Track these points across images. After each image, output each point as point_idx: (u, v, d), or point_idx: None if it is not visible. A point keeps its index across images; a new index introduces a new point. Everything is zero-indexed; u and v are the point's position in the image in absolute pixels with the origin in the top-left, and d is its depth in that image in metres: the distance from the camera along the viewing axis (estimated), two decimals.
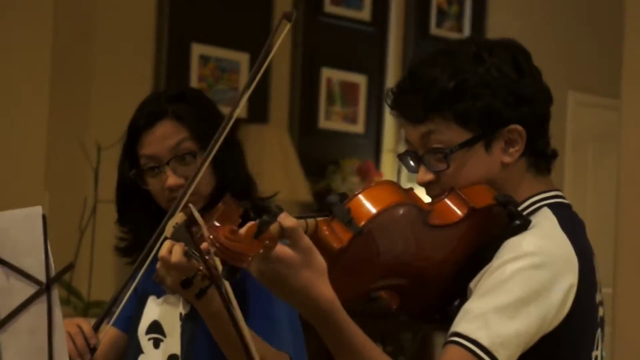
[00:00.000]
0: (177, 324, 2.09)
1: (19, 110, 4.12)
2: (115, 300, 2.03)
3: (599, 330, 1.69)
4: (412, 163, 1.74)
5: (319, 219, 1.54)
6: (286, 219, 1.47)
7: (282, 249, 1.46)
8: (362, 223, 1.53)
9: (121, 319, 2.16)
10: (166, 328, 2.11)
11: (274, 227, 1.46)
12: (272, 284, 1.50)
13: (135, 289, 2.19)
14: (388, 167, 5.68)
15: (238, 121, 2.12)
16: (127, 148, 2.14)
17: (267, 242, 1.44)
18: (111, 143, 4.07)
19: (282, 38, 1.88)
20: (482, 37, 1.73)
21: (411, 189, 1.64)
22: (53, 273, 1.48)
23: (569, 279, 1.61)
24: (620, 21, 3.76)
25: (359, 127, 5.56)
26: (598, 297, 1.70)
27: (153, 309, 2.14)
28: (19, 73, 4.11)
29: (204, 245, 1.46)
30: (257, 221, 1.43)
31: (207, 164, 1.96)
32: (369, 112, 5.59)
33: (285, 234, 1.47)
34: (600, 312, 1.72)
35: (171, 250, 1.82)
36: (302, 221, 1.52)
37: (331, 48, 5.41)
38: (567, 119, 6.17)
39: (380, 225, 1.55)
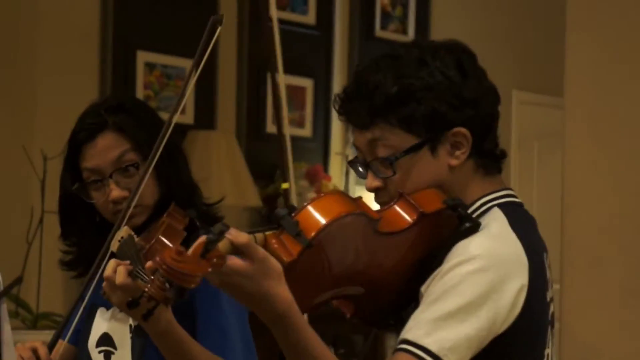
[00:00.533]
0: (127, 336, 2.08)
1: None
2: (69, 317, 2.02)
3: (550, 327, 1.70)
4: (360, 169, 1.75)
5: (267, 232, 1.54)
6: (238, 236, 1.47)
7: (234, 263, 1.46)
8: (312, 235, 1.54)
9: (70, 332, 2.14)
10: (116, 340, 2.09)
11: (222, 245, 1.45)
12: (234, 295, 1.51)
13: (82, 301, 2.17)
14: (336, 170, 5.69)
15: (182, 128, 2.12)
16: (68, 161, 2.12)
17: (215, 260, 1.43)
18: (57, 152, 4.03)
19: (213, 43, 1.89)
20: (427, 39, 1.74)
21: (360, 198, 1.64)
22: (0, 287, 1.45)
23: (519, 279, 1.62)
24: (561, 19, 3.80)
25: (306, 131, 5.56)
26: (549, 295, 1.71)
27: (102, 322, 2.12)
28: None
29: (149, 264, 1.45)
30: (203, 240, 1.43)
31: (148, 173, 1.95)
32: (316, 115, 5.59)
33: (238, 250, 1.47)
34: (551, 308, 1.73)
35: (116, 270, 1.80)
36: (251, 236, 1.51)
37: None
38: (512, 118, 6.22)
39: (330, 236, 1.55)
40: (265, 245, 1.53)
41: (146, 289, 1.52)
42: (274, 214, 1.55)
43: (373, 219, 1.61)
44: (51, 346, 2.02)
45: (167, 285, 1.52)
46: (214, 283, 1.50)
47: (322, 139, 5.64)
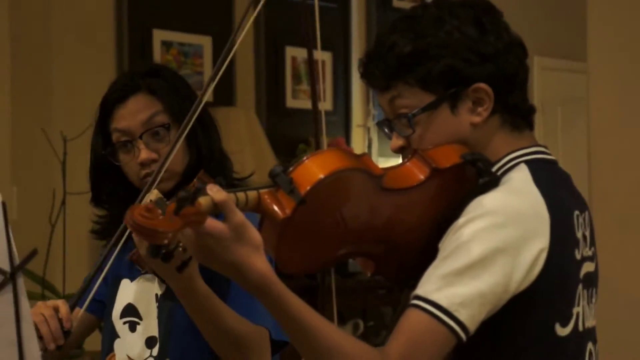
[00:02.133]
0: (154, 306, 2.07)
1: None
2: (88, 284, 2.00)
3: (580, 286, 1.67)
4: (386, 130, 1.73)
5: (262, 190, 1.51)
6: (217, 193, 1.45)
7: (212, 224, 1.44)
8: (305, 191, 1.50)
9: (90, 302, 2.13)
10: (142, 310, 2.08)
11: (204, 201, 1.43)
12: (206, 259, 1.48)
13: (105, 275, 2.16)
14: (359, 142, 5.66)
15: (207, 103, 2.11)
16: (99, 124, 2.10)
17: (192, 217, 1.40)
18: (77, 134, 4.03)
19: (250, 22, 1.87)
20: None
21: (365, 154, 1.61)
22: (17, 261, 1.44)
23: (539, 241, 1.59)
24: None
25: (327, 104, 5.54)
26: (581, 253, 1.67)
27: (127, 292, 2.11)
28: None
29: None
30: (176, 197, 1.40)
31: (182, 138, 1.93)
32: (336, 88, 5.56)
33: (217, 208, 1.45)
34: (590, 267, 1.70)
35: None
36: (241, 194, 1.49)
37: (294, 26, 5.37)
38: (534, 85, 6.17)
39: (324, 192, 1.52)
40: (260, 203, 1.50)
41: (181, 241, 1.51)
42: (269, 171, 1.52)
43: (375, 175, 1.58)
44: (71, 308, 2.00)
45: None
46: (188, 245, 1.47)
47: (343, 112, 5.62)
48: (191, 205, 1.40)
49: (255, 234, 1.48)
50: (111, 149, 2.07)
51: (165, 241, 1.39)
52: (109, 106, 2.08)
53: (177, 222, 1.39)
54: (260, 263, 1.48)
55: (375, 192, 1.59)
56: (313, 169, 1.53)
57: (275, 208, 1.50)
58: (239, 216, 1.46)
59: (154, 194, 1.87)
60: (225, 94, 5.07)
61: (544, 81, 6.21)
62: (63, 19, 4.56)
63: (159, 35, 4.88)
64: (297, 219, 1.50)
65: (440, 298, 1.54)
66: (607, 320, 3.04)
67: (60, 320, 1.94)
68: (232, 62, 5.06)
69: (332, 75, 5.57)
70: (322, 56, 5.52)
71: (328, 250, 1.62)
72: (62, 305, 1.97)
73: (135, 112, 2.05)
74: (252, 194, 1.50)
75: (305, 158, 1.54)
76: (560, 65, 6.19)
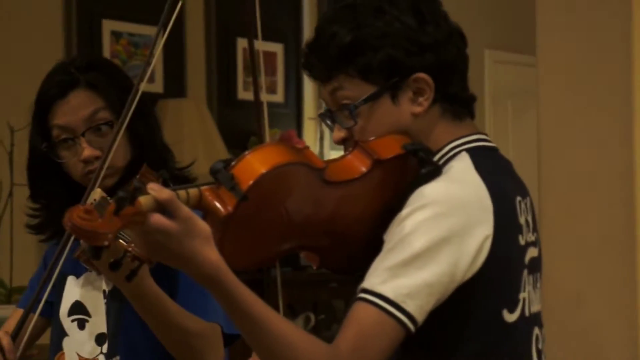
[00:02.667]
0: (101, 302, 2.04)
1: None
2: (40, 289, 1.97)
3: (525, 271, 1.67)
4: (329, 122, 1.73)
5: (203, 187, 1.49)
6: (160, 192, 1.43)
7: (158, 220, 1.42)
8: (246, 187, 1.49)
9: (42, 305, 2.10)
10: (90, 307, 2.05)
11: (144, 201, 1.41)
12: (157, 255, 1.47)
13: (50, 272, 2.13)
14: (311, 135, 5.65)
15: (152, 97, 2.08)
16: (37, 120, 2.06)
17: (133, 217, 1.39)
18: (24, 124, 3.97)
19: (175, 16, 1.85)
20: None
21: (306, 148, 1.60)
22: None
23: (483, 229, 1.59)
24: None
25: (278, 97, 5.52)
26: (525, 239, 1.68)
27: (73, 290, 2.08)
28: None
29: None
30: (115, 197, 1.38)
31: (122, 131, 1.90)
32: (288, 80, 5.55)
33: (161, 206, 1.43)
34: (534, 252, 1.70)
35: None
36: (182, 192, 1.47)
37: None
38: (485, 78, 6.20)
39: (266, 187, 1.51)
40: (201, 200, 1.49)
41: (130, 249, 1.51)
42: (210, 168, 1.51)
43: (316, 168, 1.57)
44: (21, 323, 1.98)
45: None
46: (137, 243, 1.46)
47: (294, 105, 5.61)
48: (131, 205, 1.39)
49: (204, 226, 1.46)
50: (51, 145, 2.03)
51: (106, 242, 1.37)
52: (47, 102, 2.03)
53: (117, 222, 1.37)
54: (212, 254, 1.47)
55: (318, 186, 1.58)
56: (254, 165, 1.51)
57: (217, 205, 1.49)
58: (185, 210, 1.45)
59: (97, 193, 1.85)
60: (176, 86, 5.03)
61: (494, 74, 6.24)
62: (9, 5, 4.49)
63: (109, 25, 4.83)
64: (240, 215, 1.49)
65: (387, 290, 1.54)
66: (551, 307, 3.07)
67: (3, 352, 1.91)
68: (182, 53, 5.06)
69: (284, 67, 5.55)
70: (274, 48, 5.50)
71: (272, 245, 1.61)
72: (4, 338, 1.94)
73: (77, 108, 2.01)
74: (193, 191, 1.49)
75: (246, 153, 1.53)
76: (510, 59, 6.23)
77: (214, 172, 1.50)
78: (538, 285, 1.73)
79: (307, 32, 5.64)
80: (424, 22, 1.67)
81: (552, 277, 3.14)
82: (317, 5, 5.68)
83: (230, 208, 1.48)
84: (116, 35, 4.86)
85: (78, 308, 2.07)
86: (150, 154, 2.03)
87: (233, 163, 1.52)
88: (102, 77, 2.03)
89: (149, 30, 4.91)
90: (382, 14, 1.66)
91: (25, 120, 3.94)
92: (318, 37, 1.70)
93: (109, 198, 1.41)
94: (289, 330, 1.52)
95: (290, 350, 1.51)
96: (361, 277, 1.59)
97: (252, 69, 1.96)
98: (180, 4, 1.86)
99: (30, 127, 2.10)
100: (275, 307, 1.58)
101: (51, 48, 4.62)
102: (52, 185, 2.07)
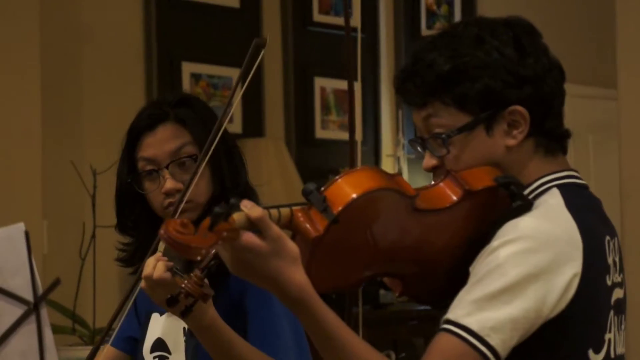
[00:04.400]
0: (181, 340, 2.06)
1: (11, 141, 4.09)
2: (114, 319, 2.00)
3: (612, 312, 1.65)
4: (419, 149, 1.72)
5: (295, 207, 1.51)
6: (252, 209, 1.45)
7: (249, 239, 1.44)
8: (338, 210, 1.50)
9: (120, 339, 2.12)
10: (170, 345, 2.07)
11: (238, 218, 1.43)
12: (244, 273, 1.48)
13: (136, 309, 2.14)
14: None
15: (231, 135, 2.10)
16: (126, 151, 2.09)
17: (226, 233, 1.41)
18: (106, 167, 4.04)
19: (256, 65, 1.87)
20: (488, 17, 1.71)
21: (398, 174, 1.61)
22: (40, 291, 1.43)
23: (572, 266, 1.57)
24: (611, 8, 3.73)
25: (356, 135, 5.52)
26: (612, 279, 1.65)
27: (156, 327, 2.10)
28: (9, 101, 4.08)
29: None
30: (211, 213, 1.41)
31: (203, 164, 1.92)
32: (365, 118, 5.56)
33: (252, 224, 1.45)
34: (619, 294, 1.68)
35: (155, 266, 1.79)
36: (274, 210, 1.49)
37: (323, 57, 5.38)
38: (565, 112, 6.13)
39: (357, 211, 1.52)
40: (292, 220, 1.50)
41: (183, 285, 1.53)
42: (303, 189, 1.52)
43: (408, 196, 1.57)
44: (92, 355, 1.99)
45: (205, 281, 1.53)
46: (225, 259, 1.48)
47: (372, 142, 5.61)
48: (225, 222, 1.41)
49: (292, 246, 1.48)
50: (136, 176, 2.06)
51: (199, 257, 1.40)
52: (136, 134, 2.07)
53: (211, 238, 1.39)
54: (299, 276, 1.48)
55: (408, 213, 1.58)
56: (346, 188, 1.52)
57: (308, 226, 1.50)
58: (275, 229, 1.46)
59: None
60: (255, 125, 5.07)
61: (574, 109, 6.17)
62: (93, 52, 4.59)
63: (188, 68, 4.89)
64: (329, 237, 1.50)
65: (471, 322, 1.52)
66: (636, 347, 3.00)
67: None
68: (261, 93, 5.10)
69: (361, 105, 5.56)
70: (357, 87, 5.51)
71: (358, 270, 1.61)
72: None
73: (164, 141, 2.04)
74: (284, 210, 1.50)
75: (338, 177, 1.54)
76: (590, 93, 6.16)
77: (306, 193, 1.51)
78: (622, 327, 1.70)
79: (384, 70, 5.65)
80: (524, 54, 1.66)
81: (634, 314, 3.08)
82: (394, 43, 5.69)
83: (320, 230, 1.49)
84: (195, 77, 4.93)
85: (160, 345, 2.08)
86: (233, 192, 2.03)
87: (325, 186, 1.53)
88: (190, 113, 2.06)
89: (227, 71, 4.97)
90: (482, 44, 1.65)
91: (107, 163, 4.00)
92: (415, 62, 1.69)
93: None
94: (374, 358, 1.53)
95: None
96: (444, 309, 1.58)
97: (349, 109, 1.98)
98: (262, 53, 1.88)
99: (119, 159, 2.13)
100: None
101: (132, 91, 4.70)
102: (138, 217, 2.09)
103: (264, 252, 1.45)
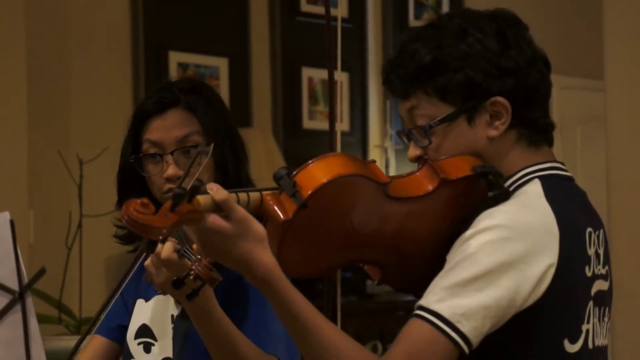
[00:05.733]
0: (169, 326, 2.05)
1: None
2: (104, 307, 1.99)
3: (591, 303, 1.65)
4: (405, 140, 1.73)
5: (265, 192, 1.52)
6: (217, 192, 1.47)
7: (214, 220, 1.46)
8: (307, 195, 1.51)
9: (109, 328, 2.11)
10: (156, 331, 2.06)
11: (203, 200, 1.45)
12: (213, 254, 1.52)
13: (126, 301, 2.14)
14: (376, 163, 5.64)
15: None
16: (132, 131, 2.07)
17: (188, 214, 1.42)
18: (93, 156, 4.03)
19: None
20: (473, 9, 1.72)
21: (371, 161, 1.61)
22: (26, 280, 1.43)
23: (547, 257, 1.57)
24: (598, 0, 3.74)
25: (344, 125, 5.53)
26: (593, 270, 1.65)
27: (141, 313, 2.09)
28: None
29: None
30: (172, 193, 1.42)
31: (209, 152, 1.90)
32: (353, 109, 5.55)
33: (218, 207, 1.47)
34: (602, 286, 1.68)
35: (163, 247, 1.79)
36: (243, 194, 1.50)
37: (310, 47, 5.37)
38: (553, 104, 6.13)
39: (327, 197, 1.52)
40: (262, 204, 1.52)
41: (193, 268, 1.55)
42: (274, 174, 1.53)
43: (380, 182, 1.57)
44: (78, 344, 1.98)
45: (213, 266, 1.54)
46: (193, 239, 1.50)
47: (360, 133, 5.61)
48: (189, 203, 1.42)
49: (259, 228, 1.50)
50: (138, 157, 2.05)
51: (160, 237, 1.41)
52: (145, 115, 2.05)
53: (172, 218, 1.40)
54: (266, 257, 1.50)
55: (380, 200, 1.58)
56: (316, 174, 1.53)
57: (277, 210, 1.51)
58: (241, 212, 1.48)
59: None
60: (242, 115, 5.06)
61: (562, 100, 6.18)
62: (79, 42, 4.57)
63: (175, 57, 4.88)
64: (299, 222, 1.51)
65: (442, 308, 1.53)
66: (625, 334, 3.01)
67: None
68: (248, 83, 5.09)
69: (349, 96, 5.56)
70: (339, 76, 5.51)
71: (330, 255, 1.62)
72: None
73: (172, 127, 2.03)
74: (254, 195, 1.52)
75: (310, 162, 1.55)
76: (578, 84, 6.17)
77: (277, 178, 1.53)
78: (605, 319, 1.70)
79: (372, 61, 5.64)
80: (506, 46, 1.67)
81: (619, 307, 3.08)
82: (382, 34, 5.69)
83: (289, 214, 1.51)
84: (183, 66, 4.92)
85: (145, 331, 2.08)
86: (234, 184, 2.02)
87: (296, 171, 1.54)
88: (201, 102, 2.05)
89: (214, 61, 4.96)
90: (465, 36, 1.66)
91: (94, 152, 3.99)
92: (400, 54, 1.70)
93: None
94: (339, 338, 1.53)
95: (338, 358, 1.52)
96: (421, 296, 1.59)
97: (329, 98, 1.98)
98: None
99: (101, 164, 2.12)
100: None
101: (119, 81, 4.69)
102: (137, 197, 2.08)
103: (230, 234, 1.47)
